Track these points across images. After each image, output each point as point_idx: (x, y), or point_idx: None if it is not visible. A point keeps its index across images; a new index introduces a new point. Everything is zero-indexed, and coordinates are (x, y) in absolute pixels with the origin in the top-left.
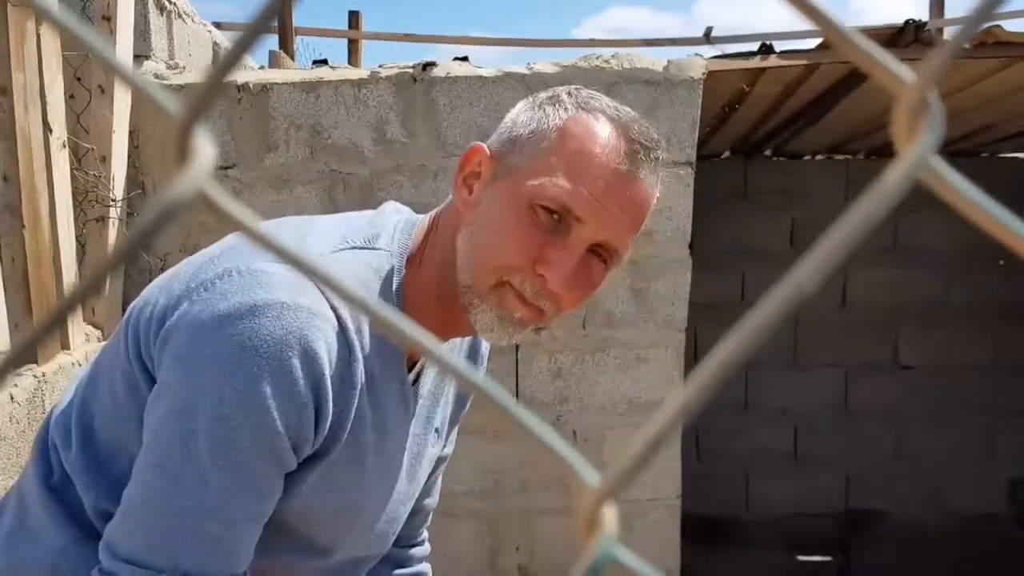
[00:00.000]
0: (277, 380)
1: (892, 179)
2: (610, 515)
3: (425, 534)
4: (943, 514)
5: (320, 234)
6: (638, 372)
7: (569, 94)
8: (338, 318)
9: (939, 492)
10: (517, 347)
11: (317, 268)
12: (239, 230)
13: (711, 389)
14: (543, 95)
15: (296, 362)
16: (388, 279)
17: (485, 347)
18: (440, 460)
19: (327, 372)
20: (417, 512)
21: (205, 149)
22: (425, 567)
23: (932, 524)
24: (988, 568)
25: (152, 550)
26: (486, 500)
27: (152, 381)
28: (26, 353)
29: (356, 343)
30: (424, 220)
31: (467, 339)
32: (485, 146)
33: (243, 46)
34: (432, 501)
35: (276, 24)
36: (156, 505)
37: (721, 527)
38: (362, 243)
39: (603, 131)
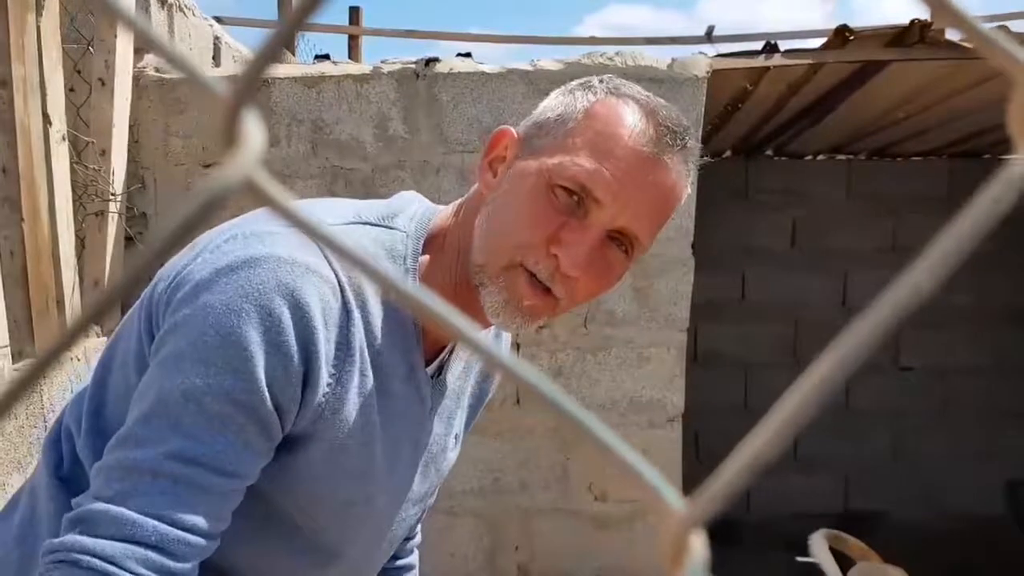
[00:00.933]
0: (264, 329)
1: (1019, 171)
2: (698, 542)
3: (416, 538)
4: (942, 515)
5: (329, 208)
6: (640, 371)
7: (601, 80)
8: (338, 280)
9: (938, 493)
10: (518, 346)
11: (347, 247)
12: (286, 217)
13: (814, 402)
14: (576, 82)
15: (286, 312)
16: (401, 259)
17: (506, 344)
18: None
19: (319, 329)
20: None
21: (254, 134)
22: (415, 557)
23: (931, 525)
24: (987, 569)
25: (110, 484)
26: (486, 499)
27: None
28: (66, 348)
29: (356, 310)
30: (447, 208)
31: (490, 332)
32: (513, 130)
33: (295, 23)
34: (433, 499)
35: (276, 19)
36: (123, 443)
37: (721, 528)
38: (376, 220)
39: (630, 114)
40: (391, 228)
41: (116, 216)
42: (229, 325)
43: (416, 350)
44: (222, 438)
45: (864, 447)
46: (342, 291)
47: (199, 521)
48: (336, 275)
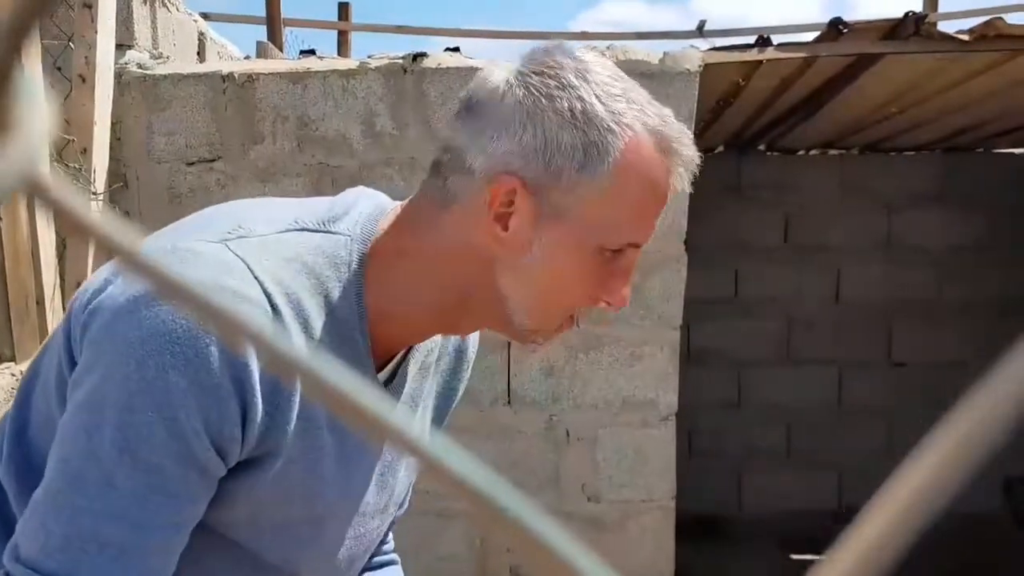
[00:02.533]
0: (192, 370)
1: None
2: None
3: (390, 542)
4: (937, 511)
5: (268, 215)
6: (632, 370)
7: (597, 97)
8: (272, 304)
9: None
10: (508, 344)
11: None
12: (76, 227)
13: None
14: (564, 99)
15: (214, 350)
16: (345, 266)
17: (472, 351)
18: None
19: (252, 363)
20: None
21: (31, 114)
22: (395, 556)
23: (926, 521)
24: (982, 566)
25: (50, 554)
26: None
27: None
28: None
29: (294, 331)
30: (396, 208)
31: (451, 344)
32: (515, 177)
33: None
34: (402, 511)
35: (264, 15)
36: (57, 504)
37: (714, 525)
38: (315, 225)
39: (652, 157)
40: (332, 232)
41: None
42: (153, 368)
43: (366, 362)
44: (162, 492)
45: (858, 443)
46: (276, 313)
47: None
48: (268, 297)
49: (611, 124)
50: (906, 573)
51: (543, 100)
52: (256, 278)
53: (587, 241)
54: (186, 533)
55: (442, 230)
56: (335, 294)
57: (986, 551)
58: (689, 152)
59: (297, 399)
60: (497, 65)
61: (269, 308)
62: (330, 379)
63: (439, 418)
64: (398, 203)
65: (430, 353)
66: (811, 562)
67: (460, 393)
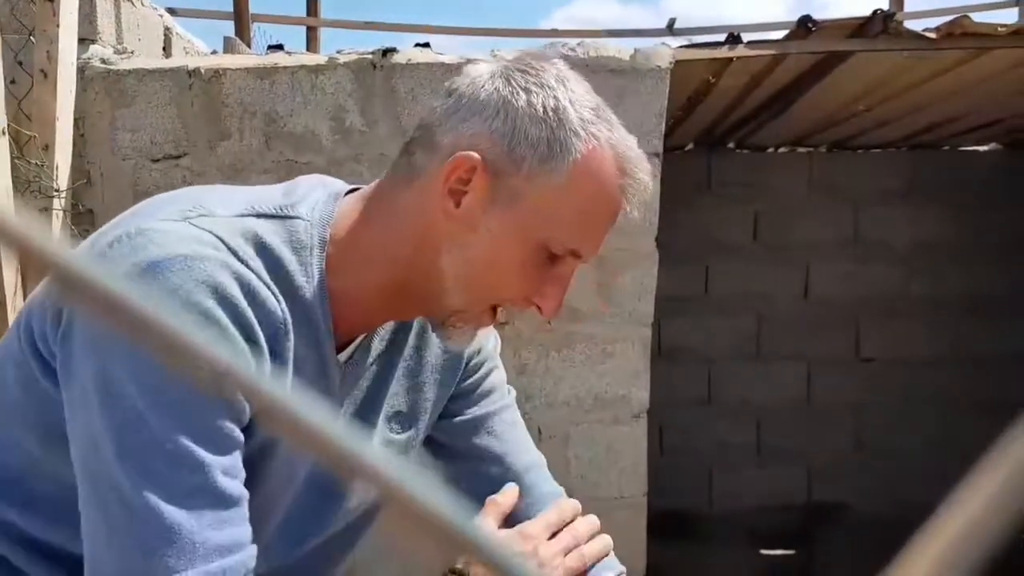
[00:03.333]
0: (204, 331)
1: None
2: None
3: (550, 487)
4: (904, 506)
5: (223, 199)
6: (604, 367)
7: (571, 102)
8: (250, 268)
9: (901, 484)
10: None
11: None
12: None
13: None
14: (540, 96)
15: (218, 309)
16: (306, 249)
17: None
18: (499, 416)
19: (252, 316)
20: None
21: None
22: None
23: (893, 516)
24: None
25: (155, 554)
26: None
27: (48, 367)
28: None
29: (271, 296)
30: (358, 191)
31: (414, 325)
32: (477, 155)
33: None
34: (524, 458)
35: (232, 10)
36: (137, 506)
37: (684, 522)
38: (272, 211)
39: (612, 172)
40: (291, 217)
41: (61, 213)
42: None
43: (326, 340)
44: (222, 449)
45: (826, 439)
46: (258, 277)
47: (246, 534)
48: (244, 264)
49: (579, 128)
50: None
51: (520, 93)
52: (230, 250)
53: (532, 233)
54: (243, 479)
55: (400, 206)
56: (296, 277)
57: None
58: (645, 179)
59: (281, 372)
60: (486, 61)
61: (250, 273)
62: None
63: (447, 386)
64: (354, 187)
65: (399, 330)
66: (781, 557)
67: (469, 358)
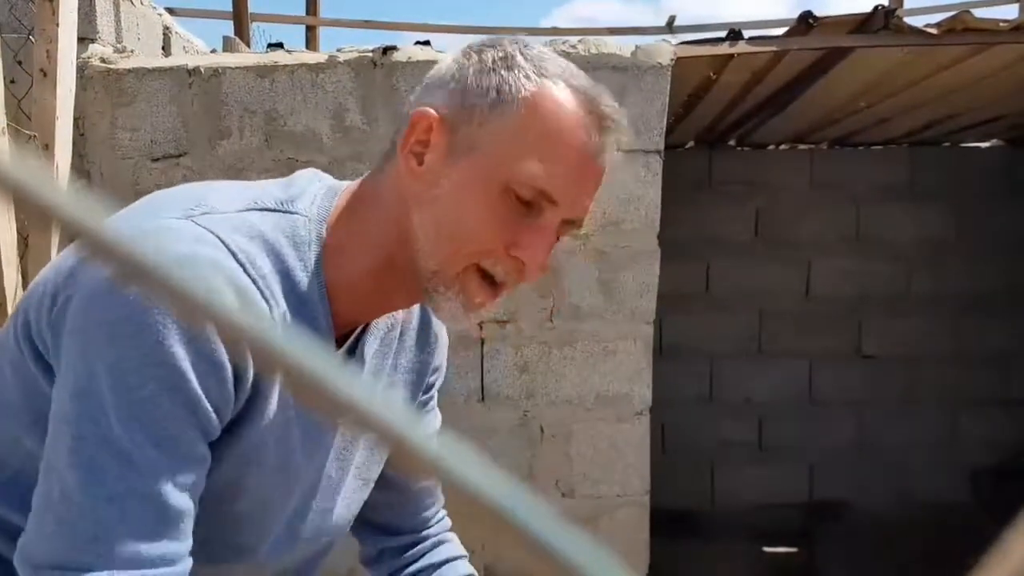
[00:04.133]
0: (188, 338)
1: None
2: None
3: (435, 511)
4: (906, 503)
5: (225, 196)
6: (606, 365)
7: (522, 54)
8: (246, 272)
9: (902, 481)
10: (483, 340)
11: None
12: (38, 209)
13: None
14: (490, 53)
15: None
16: (305, 245)
17: (444, 337)
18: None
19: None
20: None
21: None
22: (445, 536)
23: (895, 513)
24: (951, 556)
25: (79, 548)
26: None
27: (43, 363)
28: None
29: (268, 299)
30: (350, 186)
31: (415, 319)
32: (433, 111)
33: None
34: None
35: (231, 10)
36: (76, 498)
37: (686, 519)
38: (274, 206)
39: (571, 106)
40: (291, 213)
41: None
42: (148, 343)
43: (328, 338)
44: (178, 459)
45: (828, 436)
46: (254, 282)
47: (182, 548)
48: (242, 266)
49: (530, 72)
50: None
51: (473, 55)
52: (229, 249)
53: (493, 176)
54: (198, 497)
55: (380, 190)
56: (297, 273)
57: (954, 541)
58: (610, 111)
59: None
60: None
61: (246, 277)
62: (298, 357)
63: (412, 395)
64: (348, 183)
65: (391, 329)
66: (783, 554)
67: (436, 367)
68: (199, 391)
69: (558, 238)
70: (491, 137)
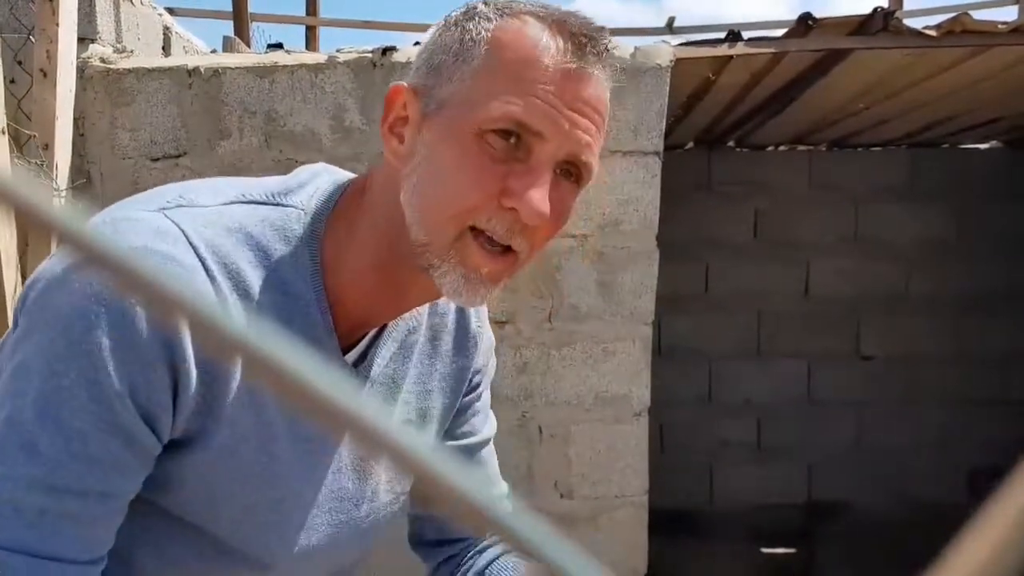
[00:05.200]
0: (117, 332)
1: None
2: None
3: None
4: (905, 504)
5: (215, 189)
6: (605, 366)
7: (485, 3)
8: (206, 270)
9: (901, 482)
10: None
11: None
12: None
13: None
14: (455, 13)
15: (143, 312)
16: (297, 239)
17: (486, 339)
18: (468, 449)
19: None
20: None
21: None
22: (494, 553)
23: (894, 513)
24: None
25: None
26: None
27: None
28: None
29: (232, 299)
30: (355, 180)
31: (451, 323)
32: (405, 84)
33: None
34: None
35: (231, 10)
36: None
37: (685, 520)
38: (263, 198)
39: (537, 32)
40: (282, 205)
41: None
42: (79, 330)
43: (326, 338)
44: (83, 459)
45: (826, 437)
46: (211, 279)
47: (73, 549)
48: (202, 263)
49: (491, 15)
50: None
51: (441, 21)
52: (191, 244)
53: (462, 124)
54: (116, 506)
55: (379, 179)
56: (285, 268)
57: (953, 541)
58: (586, 29)
59: (238, 374)
60: None
61: (204, 274)
62: (275, 357)
63: (451, 402)
64: (356, 176)
65: (413, 332)
66: (782, 555)
67: (477, 369)
68: (122, 389)
69: (578, 184)
70: (458, 88)
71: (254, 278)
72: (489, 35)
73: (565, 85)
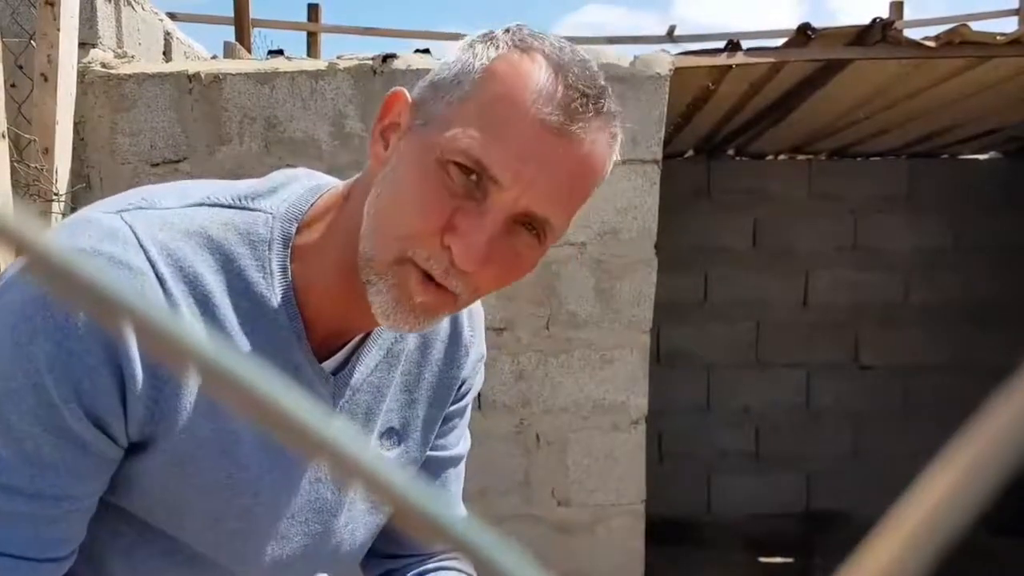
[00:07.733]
0: (61, 335)
1: None
2: None
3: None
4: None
5: (182, 191)
6: (602, 374)
7: (507, 31)
8: (156, 272)
9: (899, 492)
10: None
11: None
12: None
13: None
14: (478, 34)
15: (85, 316)
16: (263, 244)
17: (477, 350)
18: (438, 462)
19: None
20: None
21: None
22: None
23: None
24: (945, 568)
25: None
26: None
27: None
28: None
29: (185, 305)
30: (340, 185)
31: (443, 332)
32: (406, 92)
33: None
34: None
35: (232, 15)
36: None
37: (682, 529)
38: (229, 201)
39: (535, 73)
40: (248, 209)
41: (60, 216)
42: (23, 334)
43: (297, 346)
44: (35, 463)
45: (825, 446)
46: (161, 283)
47: (29, 548)
48: (153, 266)
49: (503, 43)
50: None
51: (465, 42)
52: (141, 246)
53: (431, 147)
54: (74, 507)
55: (360, 184)
56: (250, 273)
57: (950, 552)
58: (586, 89)
59: (193, 380)
60: None
61: (153, 278)
62: (223, 364)
63: (436, 413)
64: (341, 183)
65: (401, 339)
66: (779, 564)
67: (463, 381)
68: (67, 394)
69: (540, 241)
70: (443, 109)
71: (214, 283)
72: (488, 63)
73: (540, 137)
